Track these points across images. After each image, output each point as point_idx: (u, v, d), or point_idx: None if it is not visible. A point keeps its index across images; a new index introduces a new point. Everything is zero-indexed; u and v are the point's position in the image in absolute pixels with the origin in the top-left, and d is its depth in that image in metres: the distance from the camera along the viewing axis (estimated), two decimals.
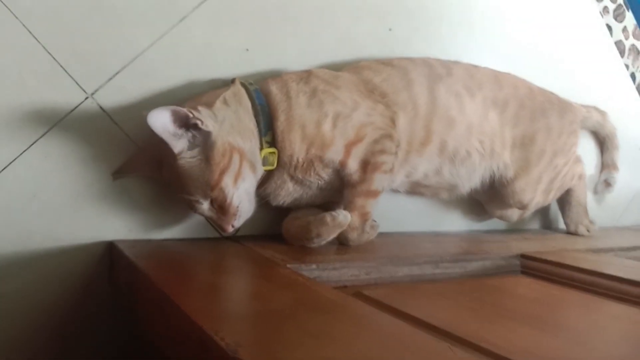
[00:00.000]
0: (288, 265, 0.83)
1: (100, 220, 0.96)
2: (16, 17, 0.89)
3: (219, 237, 1.05)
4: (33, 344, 0.94)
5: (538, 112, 1.23)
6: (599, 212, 1.51)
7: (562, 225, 1.44)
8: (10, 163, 0.90)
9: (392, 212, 1.19)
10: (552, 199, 1.32)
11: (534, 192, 1.23)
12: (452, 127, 1.09)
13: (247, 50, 1.06)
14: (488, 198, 1.26)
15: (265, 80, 1.01)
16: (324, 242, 0.97)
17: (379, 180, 1.01)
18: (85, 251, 0.95)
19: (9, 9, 0.89)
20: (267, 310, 0.60)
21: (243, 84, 0.99)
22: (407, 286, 0.88)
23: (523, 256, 1.06)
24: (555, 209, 1.46)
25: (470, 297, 0.83)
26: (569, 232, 1.40)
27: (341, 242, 1.01)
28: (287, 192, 1.02)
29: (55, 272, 0.94)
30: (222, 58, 1.04)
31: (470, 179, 1.16)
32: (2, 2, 0.88)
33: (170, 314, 0.64)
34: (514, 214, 1.32)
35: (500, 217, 1.32)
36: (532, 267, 1.04)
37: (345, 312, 0.64)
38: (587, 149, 1.48)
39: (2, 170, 0.90)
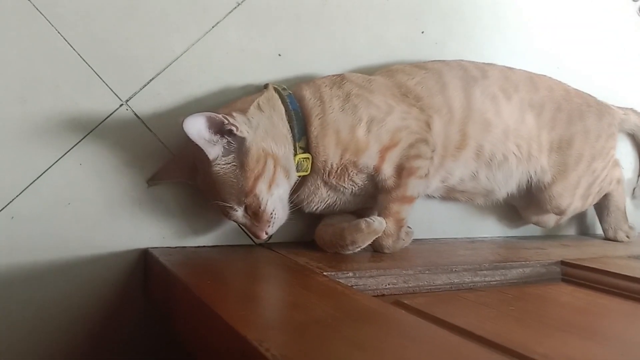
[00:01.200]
0: (325, 273, 0.81)
1: (134, 227, 0.95)
2: (52, 25, 0.90)
3: (252, 244, 1.04)
4: (69, 351, 0.94)
5: (575, 115, 1.20)
6: (638, 217, 1.46)
7: (599, 230, 1.40)
8: (45, 171, 0.91)
9: (425, 217, 1.17)
10: (590, 204, 1.28)
11: (572, 197, 1.20)
12: (489, 130, 1.07)
13: (280, 55, 1.05)
14: (524, 203, 1.23)
15: (298, 85, 1.00)
16: (358, 249, 0.95)
17: (414, 186, 0.99)
18: (120, 259, 0.95)
19: (45, 17, 0.90)
20: (310, 320, 0.59)
21: (276, 89, 0.98)
22: (447, 294, 0.86)
23: (563, 263, 1.02)
24: (592, 214, 1.42)
25: (513, 305, 0.81)
26: (607, 238, 1.36)
27: (376, 249, 0.99)
28: (320, 198, 1.00)
29: (90, 279, 0.94)
30: (255, 63, 1.03)
31: (506, 184, 1.13)
32: (37, 9, 0.89)
33: (210, 323, 0.62)
34: (550, 219, 1.29)
35: (537, 223, 1.29)
36: (573, 274, 1.01)
37: (389, 322, 0.62)
38: (624, 152, 1.44)
39: (38, 178, 0.90)
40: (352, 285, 0.82)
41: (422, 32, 1.19)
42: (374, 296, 0.82)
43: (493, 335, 0.63)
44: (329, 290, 0.72)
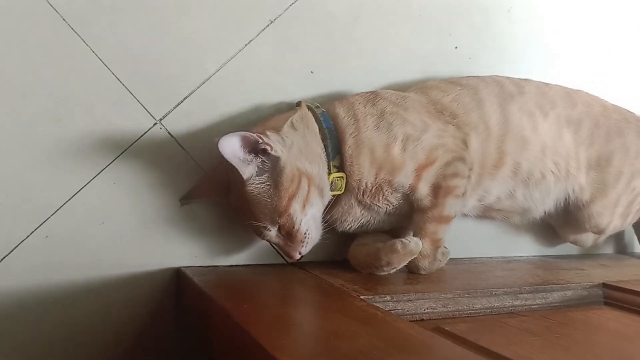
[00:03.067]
0: (362, 297, 0.79)
1: (167, 246, 0.95)
2: (86, 44, 0.90)
3: (284, 263, 1.02)
4: None
5: (614, 131, 1.16)
6: None
7: (637, 249, 1.36)
8: (79, 190, 0.91)
9: (459, 236, 1.14)
10: (629, 222, 1.24)
11: (612, 216, 1.16)
12: (526, 148, 1.04)
13: (312, 72, 1.04)
14: (561, 222, 1.20)
15: (332, 103, 0.99)
16: (393, 271, 0.93)
17: (451, 205, 0.96)
18: (153, 278, 0.94)
19: (80, 36, 0.90)
20: (354, 351, 0.57)
21: (309, 107, 0.97)
22: (489, 320, 0.83)
23: (605, 286, 0.99)
24: (630, 232, 1.38)
25: (558, 332, 0.78)
26: None
27: (411, 270, 0.96)
28: (354, 217, 0.98)
29: (122, 299, 0.93)
30: (287, 81, 1.02)
31: (544, 202, 1.10)
32: (72, 29, 0.89)
33: (250, 351, 0.61)
34: (588, 238, 1.25)
35: (574, 242, 1.26)
36: (616, 297, 0.97)
37: (436, 354, 0.60)
38: None
39: (72, 197, 0.90)
40: (390, 310, 0.80)
41: (456, 48, 1.17)
42: (412, 321, 0.80)
43: None
44: (369, 316, 0.70)
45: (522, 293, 0.91)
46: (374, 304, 0.78)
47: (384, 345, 0.60)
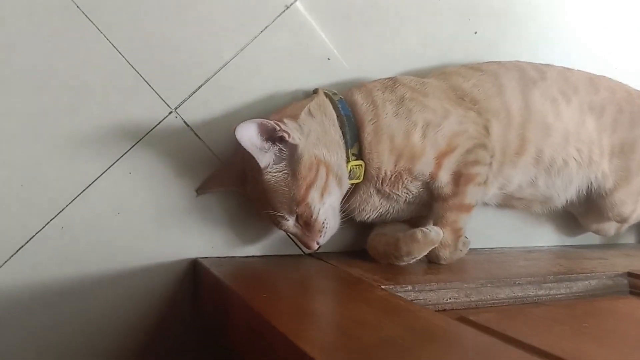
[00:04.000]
0: (383, 287, 0.78)
1: (184, 237, 0.94)
2: (101, 32, 0.89)
3: (301, 253, 1.01)
4: None
5: (638, 117, 1.13)
6: None
7: None
8: (95, 180, 0.90)
9: (480, 226, 1.11)
10: None
11: (635, 204, 1.13)
12: (549, 134, 1.01)
13: (329, 59, 1.02)
14: (583, 211, 1.17)
15: (349, 90, 0.97)
16: (413, 261, 0.91)
17: (472, 193, 0.94)
18: (169, 269, 0.93)
19: (94, 24, 0.89)
20: (378, 340, 0.55)
21: (327, 94, 0.95)
22: (513, 309, 0.81)
23: (630, 275, 0.97)
24: None
25: (585, 322, 0.76)
26: None
27: (431, 260, 0.95)
28: (373, 206, 0.97)
29: (138, 290, 0.92)
30: (303, 68, 1.00)
31: (566, 191, 1.08)
32: (87, 17, 0.88)
33: (272, 341, 0.59)
34: (611, 227, 1.22)
35: (596, 231, 1.23)
36: None
37: (462, 342, 0.58)
38: None
39: (87, 187, 0.89)
40: (412, 300, 0.78)
41: (475, 33, 1.14)
42: (435, 311, 0.78)
43: (571, 355, 0.59)
44: (392, 306, 0.68)
45: (546, 282, 0.89)
46: (396, 293, 0.77)
47: (410, 335, 0.58)
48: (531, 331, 0.70)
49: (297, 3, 0.99)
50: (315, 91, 0.96)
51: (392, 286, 0.79)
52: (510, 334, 0.66)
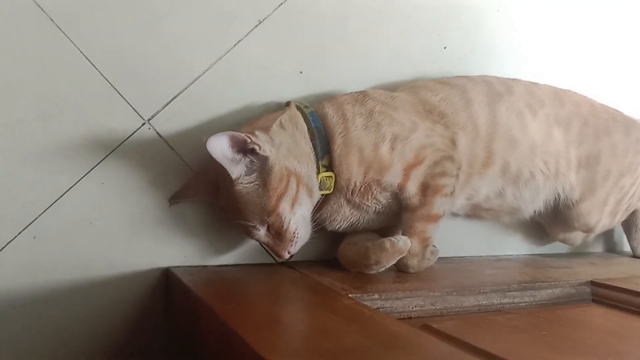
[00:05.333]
0: (350, 295, 0.80)
1: (156, 246, 0.95)
2: (73, 44, 0.90)
3: (274, 262, 1.02)
4: None
5: (602, 130, 1.17)
6: None
7: (627, 248, 1.36)
8: (67, 190, 0.90)
9: (449, 235, 1.14)
10: (618, 221, 1.25)
11: (601, 215, 1.17)
12: (515, 147, 1.04)
13: (301, 72, 1.04)
14: (551, 221, 1.20)
15: (321, 103, 0.99)
16: (382, 269, 0.93)
17: (439, 204, 0.97)
18: (141, 278, 0.94)
19: (67, 36, 0.90)
20: (339, 349, 0.57)
21: (298, 107, 0.97)
22: (476, 318, 0.83)
23: (594, 283, 1.00)
24: (619, 231, 1.38)
25: (545, 330, 0.78)
26: (635, 256, 1.32)
27: (400, 269, 0.97)
28: (343, 216, 0.99)
29: (111, 299, 0.93)
30: (276, 81, 1.02)
31: (533, 202, 1.11)
32: (60, 28, 0.89)
33: (236, 349, 0.61)
34: (577, 237, 1.25)
35: (564, 241, 1.26)
36: (604, 295, 0.98)
37: (421, 351, 0.60)
38: None
39: (60, 197, 0.90)
40: (379, 308, 0.80)
41: (445, 48, 1.17)
42: (400, 319, 0.80)
43: None
44: (356, 314, 0.70)
45: (510, 291, 0.91)
46: (362, 302, 0.79)
47: (370, 342, 0.60)
48: (491, 339, 0.72)
49: (270, 18, 1.01)
50: (288, 104, 0.98)
51: (360, 295, 0.81)
52: (470, 341, 0.68)
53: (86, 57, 0.90)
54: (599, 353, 0.70)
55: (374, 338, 0.62)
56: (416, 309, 0.83)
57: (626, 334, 0.83)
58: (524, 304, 0.91)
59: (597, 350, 0.71)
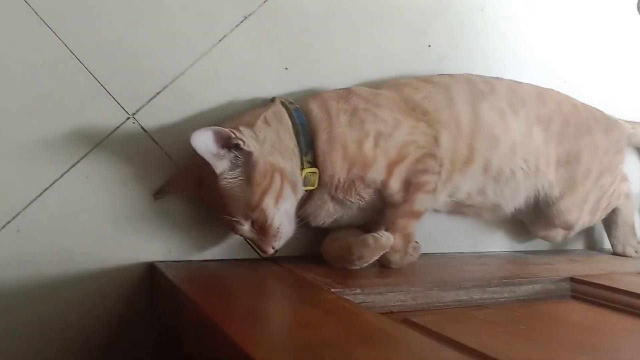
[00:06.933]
0: (332, 290, 0.80)
1: (140, 241, 0.95)
2: (58, 38, 0.90)
3: (258, 258, 1.03)
4: None
5: (583, 130, 1.19)
6: None
7: (607, 245, 1.39)
8: (52, 184, 0.90)
9: (432, 232, 1.16)
10: (598, 219, 1.27)
11: (580, 212, 1.19)
12: (496, 145, 1.06)
13: (287, 68, 1.05)
14: (532, 218, 1.22)
15: (305, 99, 1.00)
16: (365, 265, 0.94)
17: (421, 201, 0.98)
18: (126, 272, 0.94)
19: (52, 30, 0.90)
20: (318, 342, 0.58)
21: (283, 103, 0.98)
22: (456, 312, 0.85)
23: (572, 280, 1.01)
24: (600, 229, 1.41)
25: (523, 324, 0.80)
26: (615, 253, 1.34)
27: (383, 265, 0.98)
28: (327, 212, 1.00)
29: (95, 293, 0.93)
30: (262, 76, 1.03)
31: (514, 199, 1.12)
32: (45, 22, 0.89)
33: (218, 342, 0.62)
34: (558, 234, 1.27)
35: (545, 238, 1.28)
36: (583, 291, 0.99)
37: (399, 344, 0.61)
38: (633, 166, 1.43)
39: (44, 191, 0.90)
40: (360, 303, 0.81)
41: (429, 46, 1.18)
42: (382, 313, 0.81)
43: (503, 356, 0.63)
44: (338, 308, 0.71)
45: (490, 287, 0.92)
46: (345, 296, 0.79)
47: (350, 335, 0.61)
48: (469, 332, 0.73)
49: (256, 14, 1.02)
50: (273, 100, 0.99)
51: (342, 289, 0.81)
52: (449, 335, 0.69)
53: (71, 52, 0.90)
54: (575, 347, 0.72)
55: (354, 331, 0.63)
56: (397, 303, 0.84)
57: (603, 329, 0.84)
58: (503, 300, 0.93)
59: (573, 344, 0.73)
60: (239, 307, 0.72)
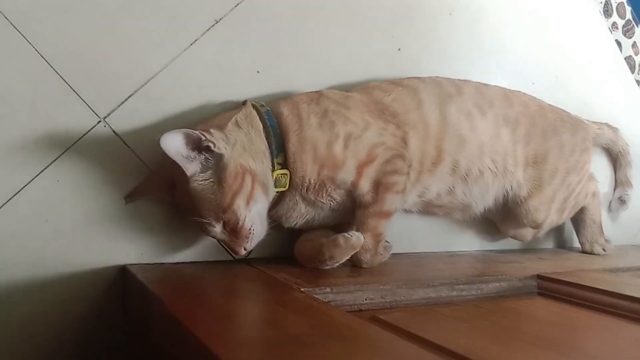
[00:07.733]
0: (302, 289, 0.82)
1: (112, 244, 0.95)
2: (28, 42, 0.90)
3: (231, 259, 1.04)
4: None
5: (549, 130, 1.22)
6: (614, 230, 1.49)
7: (577, 244, 1.42)
8: (22, 188, 0.90)
9: (404, 232, 1.18)
10: (566, 217, 1.31)
11: (548, 211, 1.22)
12: (464, 146, 1.08)
13: (258, 72, 1.06)
14: (501, 217, 1.25)
15: (276, 102, 1.01)
16: (336, 265, 0.96)
17: (391, 201, 1.00)
18: (98, 276, 0.94)
19: (21, 34, 0.90)
20: (284, 338, 0.59)
21: (254, 106, 0.99)
22: (424, 309, 0.86)
23: (539, 277, 1.04)
24: (569, 228, 1.44)
25: (488, 320, 0.82)
26: (584, 252, 1.38)
27: (354, 264, 0.99)
28: (299, 213, 1.01)
29: (67, 296, 0.93)
30: (233, 80, 1.04)
31: (483, 199, 1.15)
32: (14, 26, 0.89)
33: (186, 341, 0.62)
34: (527, 233, 1.31)
35: (514, 237, 1.31)
36: (549, 288, 1.02)
37: (363, 340, 0.63)
38: (600, 166, 1.47)
39: (15, 195, 0.90)
40: (330, 301, 0.82)
41: (399, 49, 1.21)
42: (351, 312, 0.82)
43: (466, 350, 0.64)
44: (305, 306, 0.72)
45: (458, 284, 0.94)
46: (314, 295, 0.81)
47: (315, 332, 0.62)
48: (435, 328, 0.75)
49: (227, 18, 1.03)
50: (244, 103, 1.00)
51: (312, 288, 0.83)
52: (414, 331, 0.71)
53: (41, 55, 0.90)
54: (536, 341, 0.74)
55: (320, 328, 0.64)
56: (366, 301, 0.86)
57: (566, 324, 0.86)
58: (471, 297, 0.95)
59: (534, 338, 0.75)
60: (208, 307, 0.73)
